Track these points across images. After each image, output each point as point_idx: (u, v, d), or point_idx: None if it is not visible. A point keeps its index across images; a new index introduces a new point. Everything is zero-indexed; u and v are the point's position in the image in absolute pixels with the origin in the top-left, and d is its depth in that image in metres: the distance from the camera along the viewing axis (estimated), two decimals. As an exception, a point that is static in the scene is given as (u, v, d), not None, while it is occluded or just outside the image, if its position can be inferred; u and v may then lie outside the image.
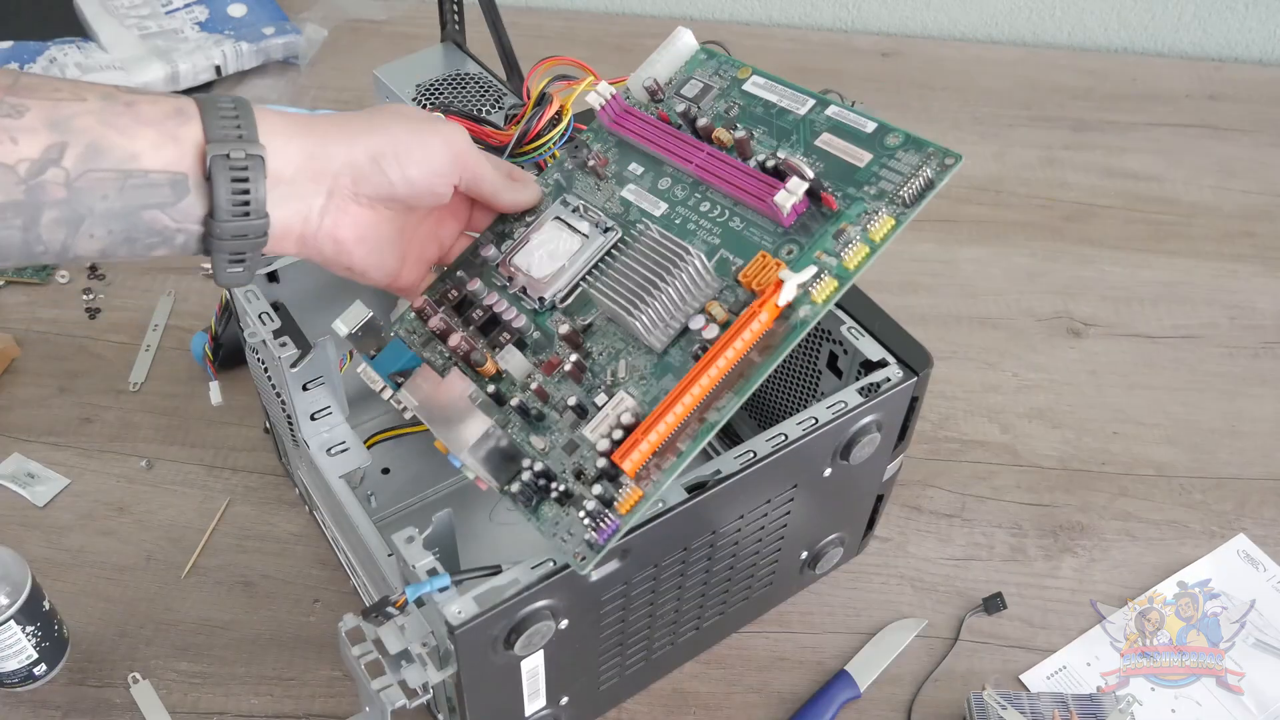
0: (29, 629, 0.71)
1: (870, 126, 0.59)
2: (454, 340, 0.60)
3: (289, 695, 0.75)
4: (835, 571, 0.82)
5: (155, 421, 0.90)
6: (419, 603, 0.59)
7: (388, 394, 0.61)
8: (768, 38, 1.35)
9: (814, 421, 0.64)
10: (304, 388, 0.70)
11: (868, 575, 0.82)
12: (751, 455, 0.63)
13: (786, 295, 0.53)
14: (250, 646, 0.77)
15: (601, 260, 0.61)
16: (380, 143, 0.56)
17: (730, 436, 0.85)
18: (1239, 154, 1.20)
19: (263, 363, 0.72)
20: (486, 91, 0.83)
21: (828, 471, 0.68)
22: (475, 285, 0.63)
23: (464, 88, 0.83)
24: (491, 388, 0.59)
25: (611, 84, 0.66)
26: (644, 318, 0.55)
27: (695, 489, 0.61)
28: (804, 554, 0.76)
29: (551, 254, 0.62)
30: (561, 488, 0.55)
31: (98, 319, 0.97)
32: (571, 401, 0.56)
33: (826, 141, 0.59)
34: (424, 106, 0.80)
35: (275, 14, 1.28)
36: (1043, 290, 1.04)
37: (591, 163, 0.64)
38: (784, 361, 0.77)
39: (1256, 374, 0.98)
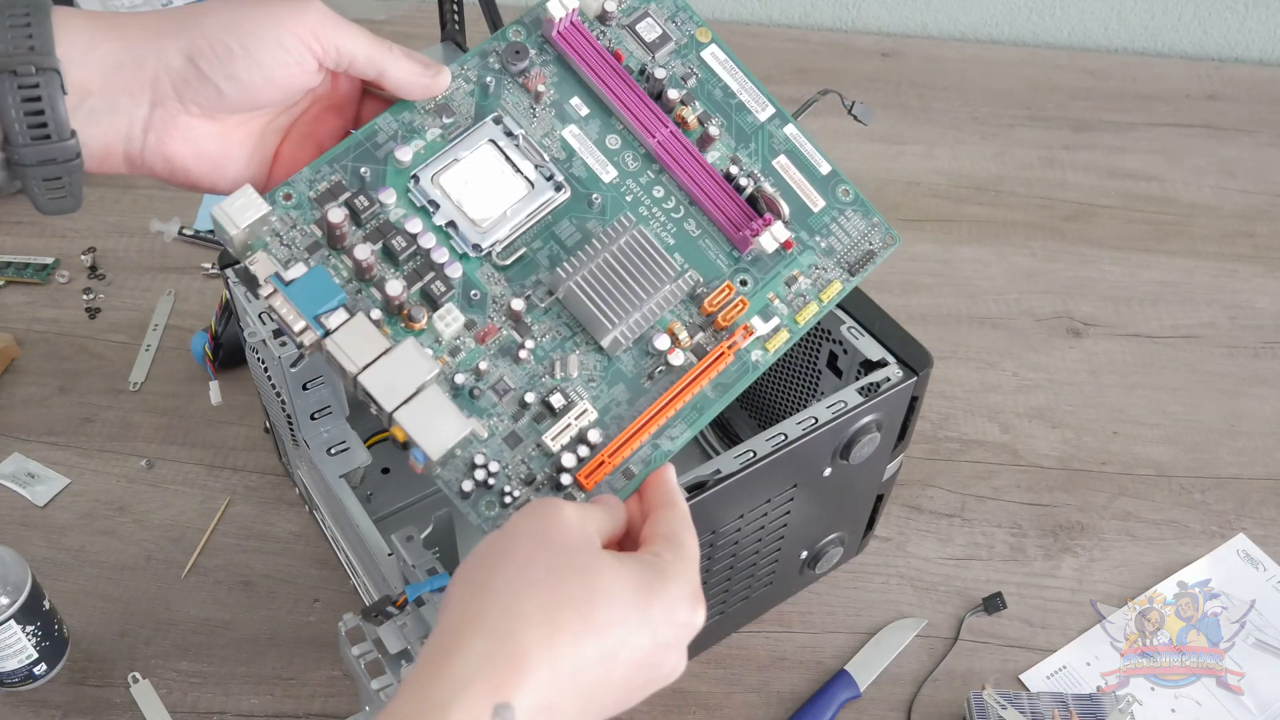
0: (29, 629, 0.71)
1: (825, 168, 0.59)
2: (394, 290, 0.51)
3: (289, 695, 0.75)
4: (835, 571, 0.82)
5: (155, 421, 0.90)
6: (419, 602, 0.59)
7: (310, 337, 0.50)
8: (768, 37, 1.35)
9: (814, 421, 0.64)
10: (304, 387, 0.70)
11: (868, 575, 0.82)
12: (751, 455, 0.63)
13: (749, 345, 0.55)
14: (250, 646, 0.77)
15: (547, 218, 0.56)
16: (195, 40, 0.48)
17: (730, 436, 0.85)
18: (1239, 154, 1.20)
19: (263, 362, 0.72)
20: (486, 91, 0.82)
21: (828, 471, 0.68)
22: (389, 198, 0.54)
23: (464, 87, 0.83)
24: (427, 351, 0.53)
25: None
26: (620, 330, 0.53)
27: (695, 489, 0.61)
28: (804, 554, 0.76)
29: (490, 193, 0.55)
30: (516, 494, 0.51)
31: (98, 319, 0.97)
32: (529, 398, 0.52)
33: (783, 166, 0.59)
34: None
35: (275, 14, 1.28)
36: (1043, 290, 1.04)
37: (538, 88, 0.58)
38: (784, 361, 0.78)
39: (1256, 374, 0.98)
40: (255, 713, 0.74)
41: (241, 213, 0.50)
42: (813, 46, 1.34)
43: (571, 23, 0.58)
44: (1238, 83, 1.30)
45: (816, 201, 0.58)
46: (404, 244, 0.53)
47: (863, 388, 0.66)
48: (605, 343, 0.54)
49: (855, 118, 0.75)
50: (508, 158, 0.56)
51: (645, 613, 0.44)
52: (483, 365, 0.53)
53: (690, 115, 0.58)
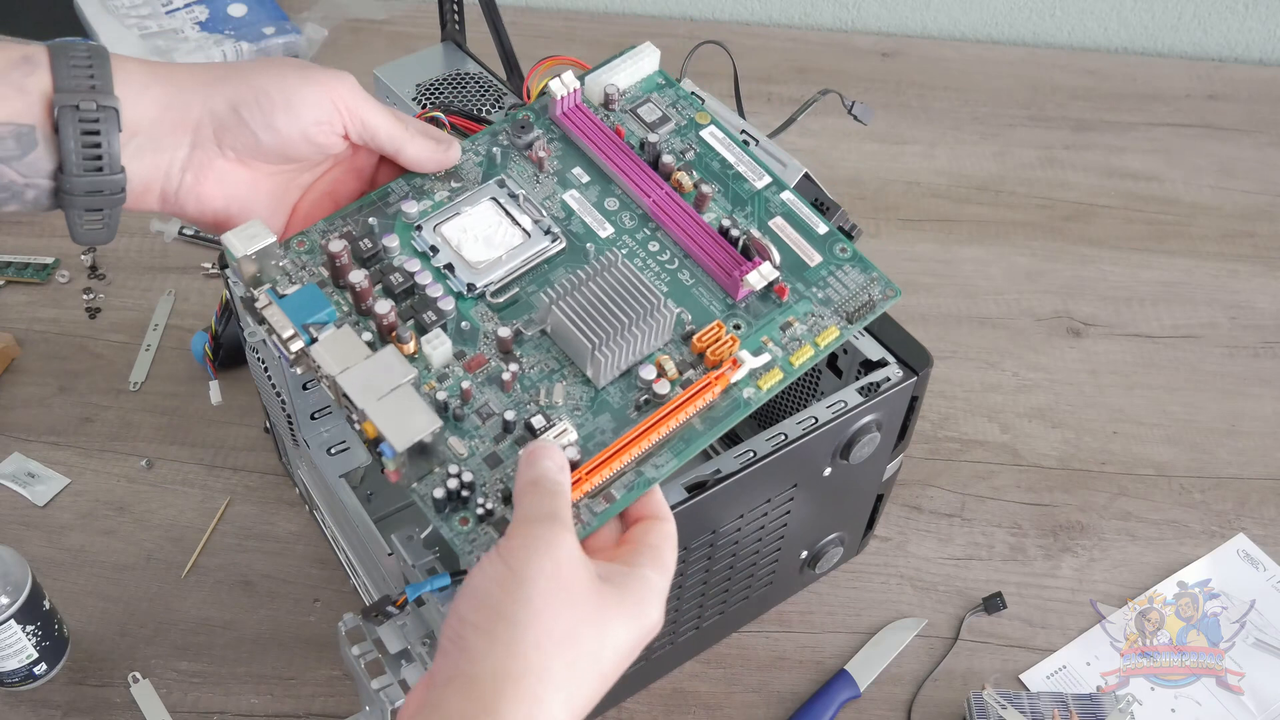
0: (29, 628, 0.71)
1: (822, 229, 0.59)
2: (382, 309, 0.54)
3: (289, 695, 0.75)
4: (835, 571, 0.82)
5: (155, 421, 0.90)
6: (419, 602, 0.59)
7: (297, 344, 0.53)
8: (768, 37, 1.35)
9: (814, 421, 0.64)
10: (304, 387, 0.70)
11: (868, 575, 0.82)
12: (751, 455, 0.63)
13: (738, 377, 0.54)
14: (250, 646, 0.77)
15: (542, 266, 0.58)
16: (241, 90, 0.53)
17: (730, 436, 0.85)
18: (1239, 154, 1.20)
19: (263, 362, 0.72)
20: (486, 91, 0.83)
21: (828, 471, 0.68)
22: (392, 242, 0.57)
23: (464, 88, 0.83)
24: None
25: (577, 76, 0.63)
26: (609, 358, 0.53)
27: (695, 488, 0.61)
28: (804, 554, 0.76)
29: (488, 240, 0.58)
30: (489, 506, 0.51)
31: (98, 319, 0.97)
32: (509, 416, 0.53)
33: (779, 226, 0.60)
34: (424, 106, 0.80)
35: (275, 14, 1.28)
36: (1043, 290, 1.04)
37: (540, 154, 0.61)
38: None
39: (1256, 374, 0.98)
40: (255, 713, 0.74)
41: (249, 241, 0.53)
42: (813, 46, 1.34)
43: (576, 105, 0.62)
44: (1238, 83, 1.30)
45: (813, 257, 0.59)
46: (401, 280, 0.56)
47: (863, 388, 0.66)
48: (589, 369, 0.54)
49: (855, 118, 0.75)
50: (507, 212, 0.59)
51: (637, 647, 0.47)
52: (465, 385, 0.54)
53: (686, 180, 0.60)
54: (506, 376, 0.54)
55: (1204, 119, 1.25)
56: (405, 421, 0.50)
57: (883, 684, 0.77)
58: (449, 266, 0.57)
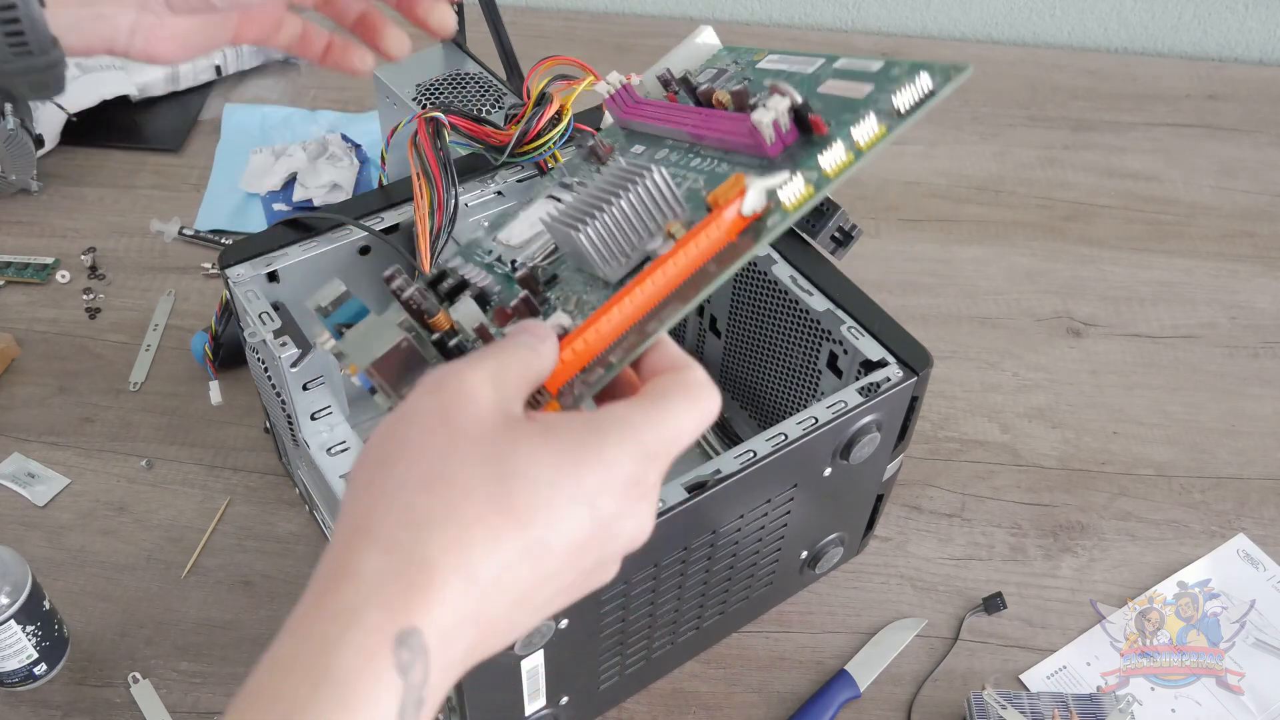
0: (29, 629, 0.71)
1: (876, 65, 0.52)
2: (406, 294, 0.53)
3: (289, 695, 0.75)
4: (835, 571, 0.82)
5: (155, 421, 0.90)
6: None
7: (330, 344, 0.54)
8: (768, 38, 1.35)
9: (814, 421, 0.64)
10: (304, 388, 0.70)
11: (868, 575, 0.82)
12: (751, 455, 0.63)
13: (751, 203, 0.47)
14: (250, 646, 0.77)
15: None
16: None
17: (730, 436, 0.85)
18: (1239, 154, 1.20)
19: (263, 363, 0.72)
20: (486, 91, 0.83)
21: (828, 471, 0.68)
22: (454, 261, 0.59)
23: (464, 88, 0.83)
24: (435, 336, 0.53)
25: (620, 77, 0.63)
26: (590, 233, 0.49)
27: (695, 488, 0.61)
28: (804, 554, 0.76)
29: (531, 222, 0.60)
30: None
31: (98, 319, 0.97)
32: (507, 330, 0.50)
33: (829, 87, 0.54)
34: (424, 107, 0.80)
35: (275, 14, 1.28)
36: (1043, 290, 1.04)
37: (595, 144, 0.62)
38: (784, 361, 0.78)
39: (1256, 374, 0.98)
40: (255, 713, 0.74)
41: (322, 298, 0.55)
42: (813, 46, 1.34)
43: (637, 101, 0.61)
44: (1238, 83, 1.30)
45: (862, 90, 0.51)
46: (451, 283, 0.55)
47: (863, 388, 0.66)
48: (595, 263, 0.50)
49: (855, 117, 0.75)
50: (558, 199, 0.60)
51: (577, 487, 0.36)
52: (479, 324, 0.52)
53: (724, 95, 0.56)
54: (513, 303, 0.51)
55: (1204, 119, 1.25)
56: (370, 343, 0.49)
57: (883, 684, 0.77)
58: (498, 259, 0.58)
